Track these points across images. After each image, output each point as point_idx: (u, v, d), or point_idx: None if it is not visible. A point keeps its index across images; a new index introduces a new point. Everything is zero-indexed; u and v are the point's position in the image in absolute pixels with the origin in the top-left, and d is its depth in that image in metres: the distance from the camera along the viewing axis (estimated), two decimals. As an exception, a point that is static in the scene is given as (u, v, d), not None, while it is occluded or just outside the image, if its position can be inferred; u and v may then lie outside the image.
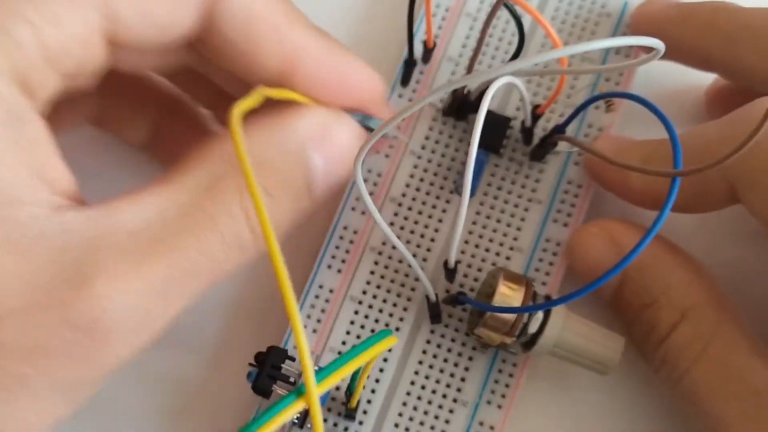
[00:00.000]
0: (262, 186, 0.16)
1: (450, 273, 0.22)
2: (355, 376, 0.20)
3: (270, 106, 0.18)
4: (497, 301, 0.20)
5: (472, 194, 0.23)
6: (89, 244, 0.15)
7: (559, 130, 0.22)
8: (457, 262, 0.22)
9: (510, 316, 0.20)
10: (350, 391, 0.21)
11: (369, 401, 0.22)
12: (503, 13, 0.25)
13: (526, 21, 0.24)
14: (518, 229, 0.23)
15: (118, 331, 0.15)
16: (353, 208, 0.23)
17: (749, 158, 0.18)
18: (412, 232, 0.23)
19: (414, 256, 0.22)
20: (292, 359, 0.20)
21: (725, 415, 0.19)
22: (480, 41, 0.20)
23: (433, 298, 0.21)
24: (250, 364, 0.20)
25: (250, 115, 0.16)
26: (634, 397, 0.22)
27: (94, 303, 0.15)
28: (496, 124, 0.23)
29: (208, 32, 0.18)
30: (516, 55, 0.22)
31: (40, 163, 0.15)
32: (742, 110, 0.20)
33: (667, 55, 0.23)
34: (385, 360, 0.22)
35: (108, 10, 0.16)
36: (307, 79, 0.18)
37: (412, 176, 0.24)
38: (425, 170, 0.24)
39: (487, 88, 0.21)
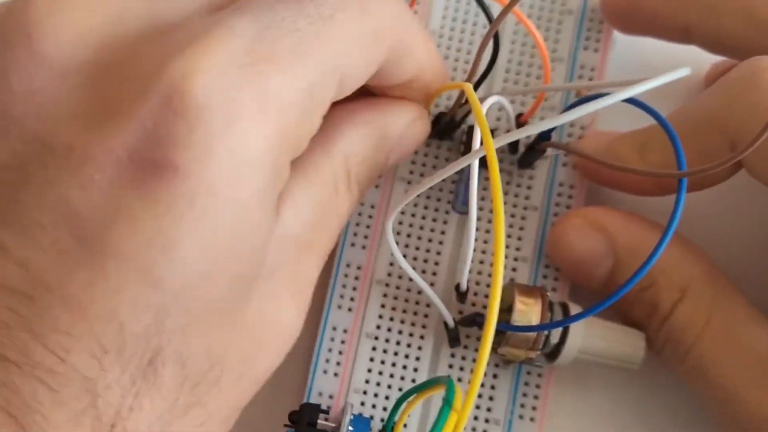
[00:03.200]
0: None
1: (462, 295, 0.22)
2: (393, 414, 0.20)
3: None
4: (516, 319, 0.20)
5: (468, 212, 0.23)
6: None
7: (544, 136, 0.22)
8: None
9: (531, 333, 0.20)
10: (387, 429, 0.20)
11: (402, 435, 0.22)
12: (471, 17, 0.25)
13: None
14: (519, 238, 0.23)
15: None
16: (353, 244, 0.23)
17: (752, 118, 0.18)
18: (415, 258, 0.23)
19: (421, 282, 0.22)
20: (326, 412, 0.19)
21: (733, 383, 0.20)
22: (473, 68, 0.20)
23: (451, 324, 0.21)
24: (286, 425, 0.19)
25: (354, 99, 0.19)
26: (666, 390, 0.22)
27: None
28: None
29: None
30: (488, 70, 0.22)
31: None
32: (733, 73, 0.20)
33: (645, 30, 0.23)
34: (411, 391, 0.22)
35: (341, 83, 0.17)
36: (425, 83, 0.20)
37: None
38: (418, 194, 0.23)
39: (470, 109, 0.22)
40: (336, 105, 0.19)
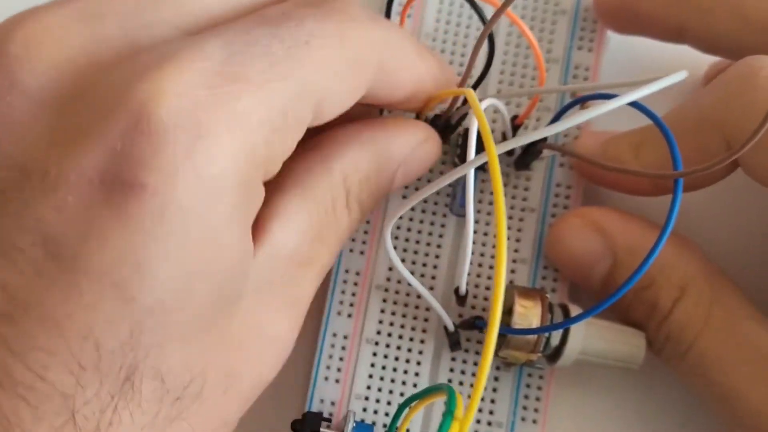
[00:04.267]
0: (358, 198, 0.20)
1: (461, 299, 0.22)
2: (394, 422, 0.20)
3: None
4: (516, 322, 0.20)
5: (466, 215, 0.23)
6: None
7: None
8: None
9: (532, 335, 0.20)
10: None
11: (405, 441, 0.22)
12: (464, 19, 0.25)
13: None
14: (517, 240, 0.23)
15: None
16: (351, 250, 0.23)
17: (748, 117, 0.18)
18: (413, 262, 0.23)
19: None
20: (329, 420, 0.19)
21: (735, 380, 0.20)
22: (467, 71, 0.20)
23: (451, 328, 0.21)
24: (288, 434, 0.19)
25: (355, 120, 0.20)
26: (668, 390, 0.22)
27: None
28: (477, 140, 0.23)
29: None
30: (485, 72, 0.22)
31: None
32: (729, 72, 0.20)
33: (638, 30, 0.24)
34: (413, 396, 0.22)
35: (317, 108, 0.17)
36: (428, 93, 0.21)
37: (402, 206, 0.23)
38: (417, 201, 0.23)
39: (466, 112, 0.22)
40: (339, 125, 0.19)
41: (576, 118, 0.16)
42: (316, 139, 0.20)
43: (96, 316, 0.15)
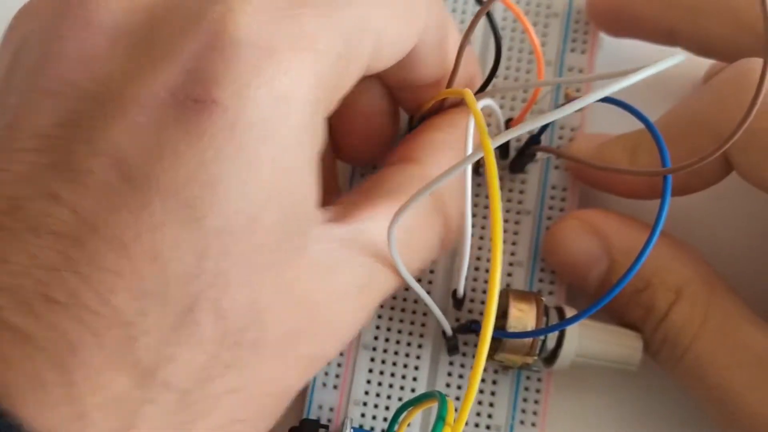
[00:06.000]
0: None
1: (458, 302, 0.22)
2: (391, 426, 0.20)
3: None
4: (511, 325, 0.20)
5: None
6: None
7: (534, 140, 0.22)
8: (463, 289, 0.22)
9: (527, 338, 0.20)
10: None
11: (404, 446, 0.22)
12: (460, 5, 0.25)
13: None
14: (513, 243, 0.23)
15: None
16: (347, 256, 0.23)
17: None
18: (410, 267, 0.23)
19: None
20: (326, 427, 0.19)
21: (732, 384, 0.19)
22: (456, 66, 0.20)
23: (449, 333, 0.21)
24: (285, 441, 0.19)
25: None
26: (668, 391, 0.22)
27: None
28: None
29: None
30: (494, 69, 0.22)
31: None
32: (724, 74, 0.20)
33: (630, 32, 0.24)
34: (411, 401, 0.22)
35: (377, 46, 0.17)
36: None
37: (398, 212, 0.23)
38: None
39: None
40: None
41: (570, 107, 0.16)
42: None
43: (164, 237, 0.14)
